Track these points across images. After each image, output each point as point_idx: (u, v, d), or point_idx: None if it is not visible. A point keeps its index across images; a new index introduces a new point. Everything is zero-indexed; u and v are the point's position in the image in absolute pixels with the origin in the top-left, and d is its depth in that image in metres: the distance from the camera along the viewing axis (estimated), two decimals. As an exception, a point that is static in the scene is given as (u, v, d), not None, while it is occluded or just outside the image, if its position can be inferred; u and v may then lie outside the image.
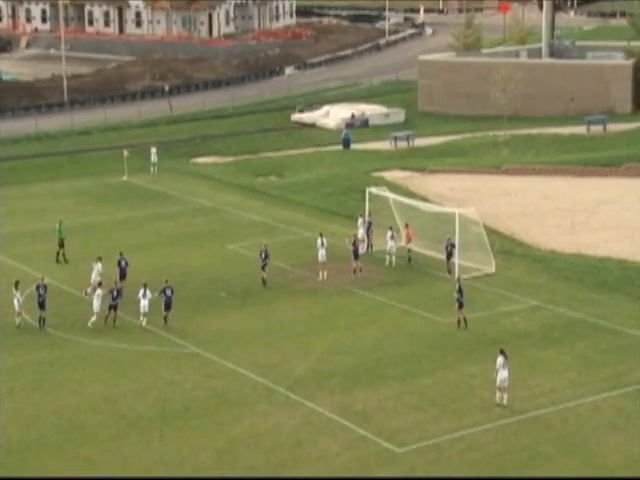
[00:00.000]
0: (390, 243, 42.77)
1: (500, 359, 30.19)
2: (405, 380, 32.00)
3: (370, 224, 45.07)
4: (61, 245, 44.35)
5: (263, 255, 40.69)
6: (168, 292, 36.89)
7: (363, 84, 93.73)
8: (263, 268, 40.61)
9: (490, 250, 42.71)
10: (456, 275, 39.48)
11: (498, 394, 30.20)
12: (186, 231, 48.99)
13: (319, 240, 41.85)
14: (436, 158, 64.60)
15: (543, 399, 30.68)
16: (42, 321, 36.55)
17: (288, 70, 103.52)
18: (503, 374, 30.04)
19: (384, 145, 69.29)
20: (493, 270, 42.17)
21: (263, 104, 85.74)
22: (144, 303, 36.56)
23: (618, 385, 31.53)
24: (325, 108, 79.52)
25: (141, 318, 36.70)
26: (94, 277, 38.81)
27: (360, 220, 44.80)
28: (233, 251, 45.43)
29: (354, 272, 41.50)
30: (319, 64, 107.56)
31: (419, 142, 69.48)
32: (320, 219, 49.10)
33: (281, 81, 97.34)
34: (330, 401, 30.65)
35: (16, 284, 36.90)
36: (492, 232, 46.36)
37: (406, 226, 43.80)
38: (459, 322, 36.25)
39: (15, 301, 36.65)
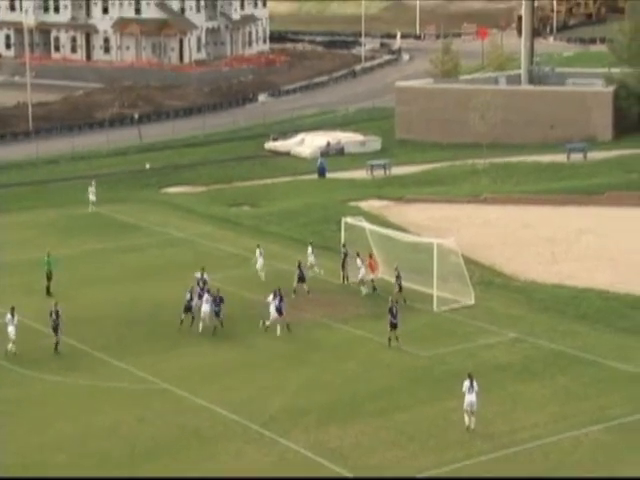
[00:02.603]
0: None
1: (466, 383, 30.91)
2: (383, 415, 32.13)
3: (345, 255, 45.39)
4: (49, 278, 44.28)
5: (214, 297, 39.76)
6: (276, 301, 39.24)
7: (339, 111, 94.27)
8: (217, 314, 39.33)
9: (469, 281, 43.03)
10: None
11: (466, 417, 30.88)
12: (156, 263, 49.01)
13: (358, 260, 43.82)
14: (414, 187, 65.02)
15: (524, 434, 30.90)
16: (56, 345, 37.31)
17: (262, 97, 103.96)
18: (469, 398, 30.70)
19: (360, 174, 69.67)
20: (472, 301, 42.47)
21: (236, 132, 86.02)
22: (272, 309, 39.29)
23: (600, 419, 31.80)
24: (300, 136, 79.86)
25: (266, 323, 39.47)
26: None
27: (310, 249, 46.01)
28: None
29: (308, 293, 43.01)
30: (294, 91, 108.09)
31: (396, 171, 69.90)
32: (295, 250, 49.32)
33: (255, 108, 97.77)
34: (306, 438, 30.71)
35: (12, 310, 37.32)
36: (471, 262, 46.67)
37: (370, 256, 44.16)
38: (389, 340, 37.25)
39: (11, 328, 36.95)
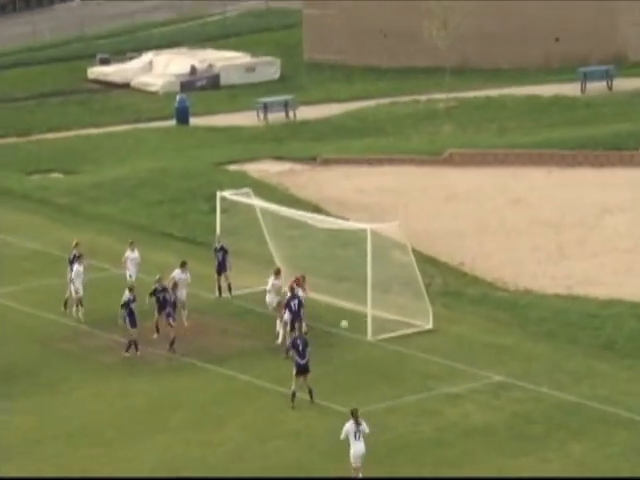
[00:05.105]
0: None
1: (349, 425, 31.71)
2: (287, 512, 32.50)
3: (225, 253, 45.41)
4: None
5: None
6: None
7: (211, 16, 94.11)
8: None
9: (425, 291, 43.42)
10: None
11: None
12: None
13: (272, 280, 43.05)
14: (334, 140, 65.33)
15: (515, 537, 31.50)
16: None
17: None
18: (357, 448, 31.63)
19: (247, 118, 69.86)
20: (430, 325, 42.88)
21: (38, 50, 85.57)
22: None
23: (637, 510, 32.54)
24: (146, 57, 79.73)
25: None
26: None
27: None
28: (-9, 302, 45.32)
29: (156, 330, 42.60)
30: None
31: (305, 113, 70.24)
32: (141, 245, 49.18)
33: (68, 11, 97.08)
34: None
35: None
36: (428, 261, 47.19)
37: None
38: (293, 396, 37.47)
39: None
